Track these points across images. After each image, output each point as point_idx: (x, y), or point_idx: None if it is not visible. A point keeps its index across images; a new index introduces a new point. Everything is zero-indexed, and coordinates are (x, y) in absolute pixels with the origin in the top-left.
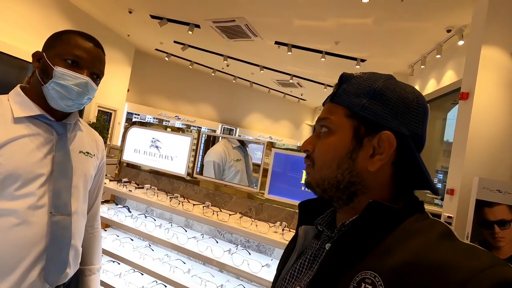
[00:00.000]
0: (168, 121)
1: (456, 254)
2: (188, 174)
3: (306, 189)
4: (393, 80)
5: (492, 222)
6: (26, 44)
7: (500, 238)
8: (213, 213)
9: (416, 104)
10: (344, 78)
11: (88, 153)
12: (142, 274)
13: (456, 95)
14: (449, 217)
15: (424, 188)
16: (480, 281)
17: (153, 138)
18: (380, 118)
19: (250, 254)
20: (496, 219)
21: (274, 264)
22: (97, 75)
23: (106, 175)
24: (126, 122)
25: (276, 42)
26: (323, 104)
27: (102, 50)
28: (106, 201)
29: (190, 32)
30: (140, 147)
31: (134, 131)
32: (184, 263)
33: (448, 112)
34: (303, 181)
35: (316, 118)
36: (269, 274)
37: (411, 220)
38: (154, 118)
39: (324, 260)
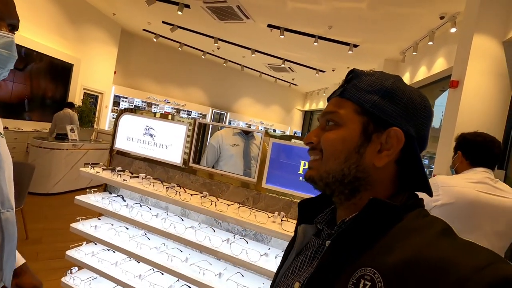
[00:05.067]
0: (157, 105)
1: (456, 251)
2: (184, 163)
3: (303, 179)
4: (401, 81)
5: None
6: None
7: None
8: (211, 203)
9: (424, 106)
10: (355, 74)
11: (0, 133)
12: (139, 262)
13: (445, 82)
14: None
15: (421, 189)
16: (480, 279)
17: (147, 126)
18: (390, 116)
19: (247, 242)
20: None
21: (272, 253)
22: (13, 27)
23: (98, 163)
24: (113, 106)
25: (269, 25)
26: (328, 99)
27: None
28: (96, 186)
29: (180, 12)
30: (133, 135)
31: (126, 118)
32: (181, 251)
33: (436, 99)
34: (301, 171)
35: (322, 112)
36: (267, 263)
37: (410, 217)
38: (142, 101)
39: (324, 256)
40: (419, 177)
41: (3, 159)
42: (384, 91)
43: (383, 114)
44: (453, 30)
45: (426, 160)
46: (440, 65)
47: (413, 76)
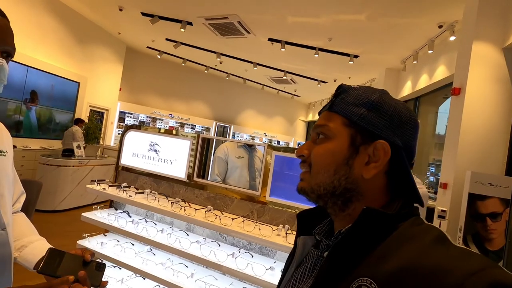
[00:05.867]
0: (162, 120)
1: (449, 258)
2: (188, 177)
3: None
4: (388, 94)
5: (484, 215)
6: (16, 44)
7: (492, 230)
8: (216, 217)
9: (409, 118)
10: (343, 89)
11: (1, 151)
12: (144, 279)
13: (447, 89)
14: (442, 210)
15: (412, 199)
16: (471, 284)
17: (152, 142)
18: (376, 128)
19: (253, 256)
20: (488, 212)
21: (278, 266)
22: (8, 53)
23: (104, 180)
24: (119, 122)
25: (270, 39)
26: (319, 113)
27: (7, 20)
28: (102, 202)
29: (183, 30)
30: (138, 151)
31: (131, 134)
32: (187, 266)
33: (439, 106)
34: None
35: (314, 124)
36: (273, 277)
37: (405, 226)
38: (147, 116)
39: (322, 268)
40: (408, 187)
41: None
42: (371, 104)
43: (370, 126)
44: (452, 38)
45: (433, 168)
46: (441, 72)
47: (414, 84)
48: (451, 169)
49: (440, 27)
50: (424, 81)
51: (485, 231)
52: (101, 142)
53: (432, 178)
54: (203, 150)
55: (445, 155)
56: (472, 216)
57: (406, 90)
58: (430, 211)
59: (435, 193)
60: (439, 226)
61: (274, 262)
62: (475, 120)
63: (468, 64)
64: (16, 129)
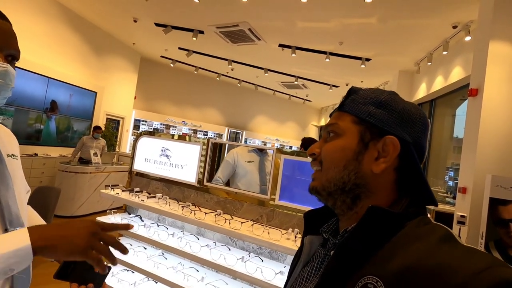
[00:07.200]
0: (175, 127)
1: (455, 257)
2: (199, 182)
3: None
4: (397, 95)
5: (507, 220)
6: (34, 55)
7: None
8: (225, 221)
9: (419, 116)
10: (353, 90)
11: (14, 155)
12: (156, 283)
13: (464, 91)
14: (462, 216)
15: (423, 195)
16: (478, 283)
17: (163, 147)
18: (385, 124)
19: (262, 261)
20: (511, 217)
21: (287, 271)
22: (13, 57)
23: (118, 185)
24: (134, 129)
25: (280, 45)
26: (331, 115)
27: (10, 23)
28: (117, 208)
29: (194, 38)
30: (150, 157)
31: (144, 140)
32: (198, 271)
33: (457, 108)
34: None
35: (324, 125)
36: (282, 282)
37: (412, 225)
38: (161, 124)
39: (327, 266)
40: (419, 183)
41: (14, 180)
42: (379, 102)
43: (378, 122)
44: (467, 38)
45: (452, 172)
46: (457, 74)
47: (429, 86)
48: (470, 173)
49: (454, 27)
50: (439, 83)
51: (508, 237)
52: (117, 149)
53: (450, 183)
54: (214, 155)
55: (464, 159)
56: (494, 222)
57: (421, 92)
58: (449, 217)
59: (454, 198)
60: (459, 232)
61: (284, 267)
62: (494, 122)
63: (485, 64)
64: (36, 137)
